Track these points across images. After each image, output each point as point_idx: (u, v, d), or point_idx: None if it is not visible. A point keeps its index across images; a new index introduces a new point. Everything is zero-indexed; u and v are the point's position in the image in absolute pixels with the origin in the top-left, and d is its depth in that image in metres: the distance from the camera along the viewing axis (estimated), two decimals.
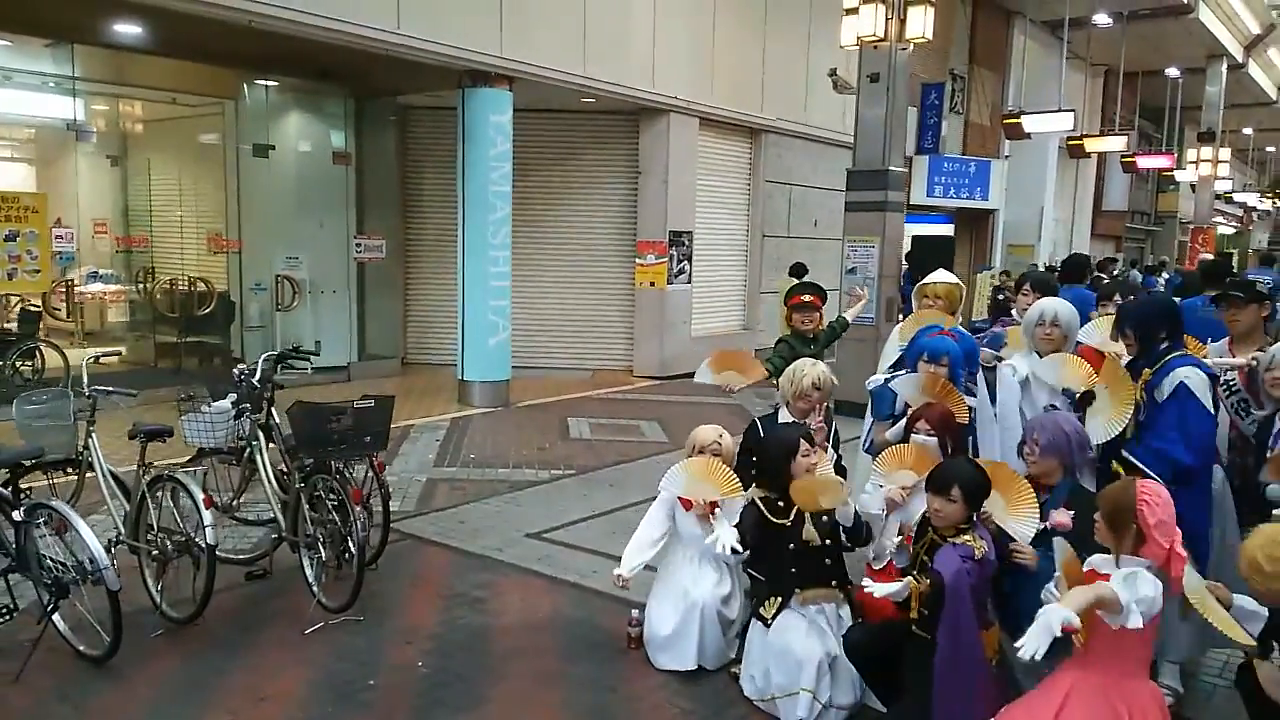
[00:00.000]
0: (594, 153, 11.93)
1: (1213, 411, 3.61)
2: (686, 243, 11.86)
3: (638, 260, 11.76)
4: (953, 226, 18.84)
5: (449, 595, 4.81)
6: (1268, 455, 3.57)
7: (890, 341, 5.22)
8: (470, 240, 9.54)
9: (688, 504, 4.12)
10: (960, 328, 4.57)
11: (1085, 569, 3.05)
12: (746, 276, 13.50)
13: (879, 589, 3.22)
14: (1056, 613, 2.57)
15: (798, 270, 11.86)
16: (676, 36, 11.43)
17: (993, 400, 4.25)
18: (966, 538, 3.39)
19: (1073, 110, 18.43)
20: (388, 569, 5.03)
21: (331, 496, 4.44)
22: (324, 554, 4.38)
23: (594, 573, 5.13)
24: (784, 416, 4.47)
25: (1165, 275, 21.66)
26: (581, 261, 12.02)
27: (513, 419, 9.35)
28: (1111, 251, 27.42)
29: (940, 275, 5.17)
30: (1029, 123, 17.89)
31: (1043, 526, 3.44)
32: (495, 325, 9.72)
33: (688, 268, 11.96)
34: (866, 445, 4.70)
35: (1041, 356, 4.10)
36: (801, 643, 3.61)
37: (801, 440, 3.78)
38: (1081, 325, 4.44)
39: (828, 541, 3.75)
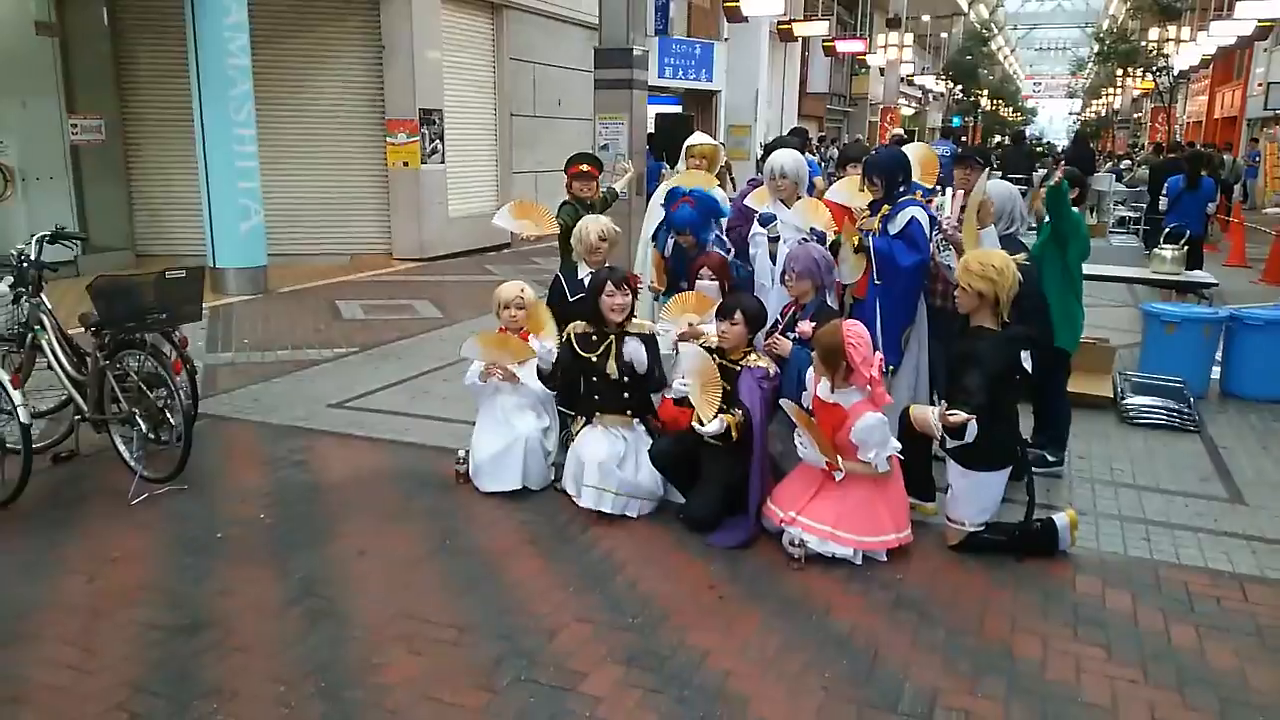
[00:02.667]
0: (335, 25, 11.41)
1: (928, 241, 4.58)
2: (437, 121, 11.80)
3: (389, 139, 11.57)
4: (681, 107, 19.81)
5: (268, 461, 4.97)
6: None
7: (650, 209, 5.83)
8: (211, 118, 8.99)
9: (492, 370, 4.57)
10: (701, 188, 5.23)
11: (812, 395, 3.94)
12: (498, 156, 13.65)
13: (707, 430, 3.93)
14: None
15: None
16: None
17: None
18: (753, 358, 4.14)
19: None
20: (196, 444, 5.04)
21: (140, 372, 4.43)
22: (144, 427, 4.39)
23: (407, 430, 5.47)
24: (583, 271, 4.97)
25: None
26: (330, 141, 11.62)
27: (278, 305, 9.16)
28: (816, 130, 30.00)
29: (702, 137, 5.83)
30: (746, 6, 18.98)
31: (795, 336, 4.26)
32: (246, 209, 9.33)
33: (440, 147, 11.93)
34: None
35: (785, 205, 4.86)
36: (592, 448, 4.25)
37: (608, 281, 4.32)
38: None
39: (625, 378, 4.37)
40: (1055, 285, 4.66)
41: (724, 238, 5.10)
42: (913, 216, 4.48)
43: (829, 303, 4.46)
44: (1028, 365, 3.94)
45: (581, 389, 4.52)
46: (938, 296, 4.59)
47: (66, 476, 4.64)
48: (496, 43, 13.25)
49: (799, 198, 4.80)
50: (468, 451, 4.63)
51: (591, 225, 4.88)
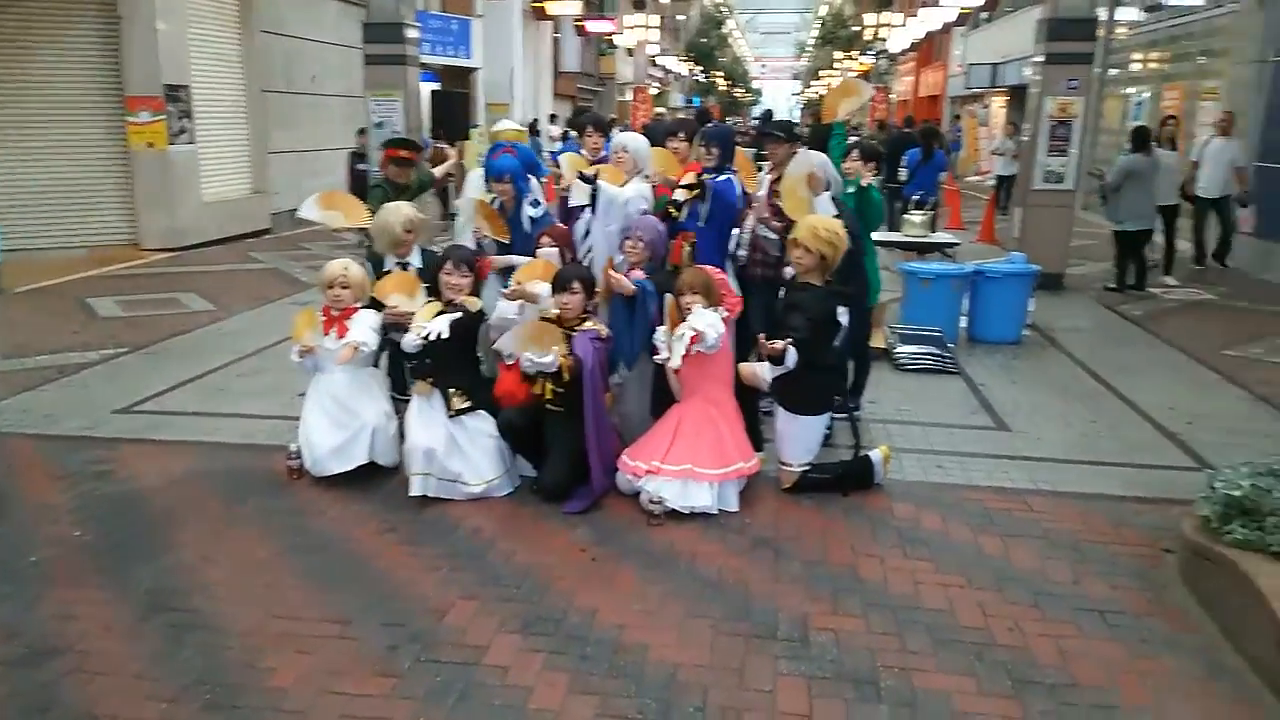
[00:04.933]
0: None
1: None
2: (184, 98, 10.86)
3: (129, 119, 10.52)
4: (439, 84, 19.38)
5: (64, 475, 4.49)
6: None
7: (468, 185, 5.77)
8: None
9: (328, 326, 4.42)
10: (520, 144, 5.31)
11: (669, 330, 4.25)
12: (251, 136, 12.76)
13: (541, 360, 4.01)
14: (683, 334, 4.00)
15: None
16: None
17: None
18: (589, 324, 4.29)
19: None
20: None
21: None
22: None
23: (216, 431, 5.13)
24: (389, 263, 4.81)
25: (618, 130, 24.87)
26: (59, 122, 10.38)
27: (19, 305, 8.15)
28: (570, 109, 30.36)
29: (507, 123, 5.83)
30: None
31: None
32: None
33: (189, 126, 11.00)
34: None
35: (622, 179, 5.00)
36: (413, 436, 4.22)
37: (449, 260, 4.32)
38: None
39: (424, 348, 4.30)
40: (864, 254, 5.15)
41: (540, 200, 5.19)
42: (729, 179, 4.84)
43: None
44: (843, 319, 4.36)
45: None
46: (758, 266, 4.92)
47: None
48: (243, 14, 12.36)
49: (639, 173, 4.96)
50: (299, 446, 4.44)
51: (394, 219, 4.67)
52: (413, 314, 4.35)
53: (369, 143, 11.35)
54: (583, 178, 4.76)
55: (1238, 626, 3.10)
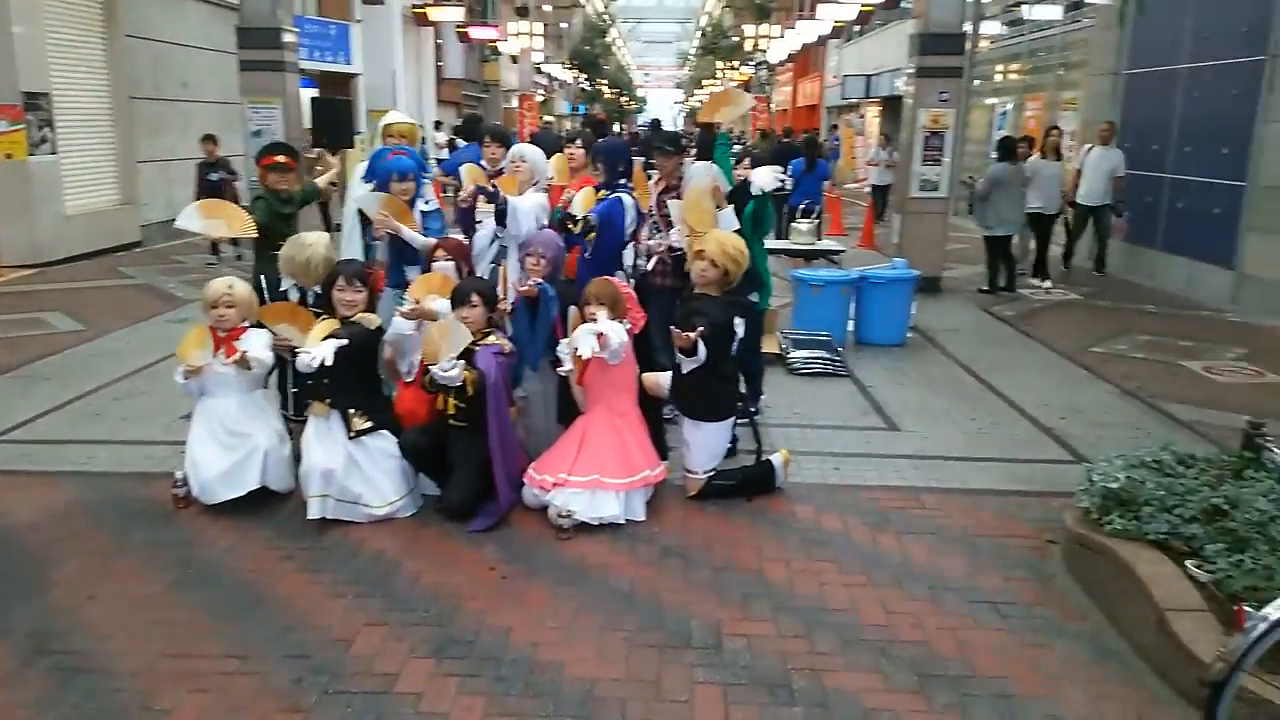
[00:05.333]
0: None
1: (629, 226, 4.94)
2: (44, 106, 10.22)
3: None
4: (318, 90, 18.82)
5: None
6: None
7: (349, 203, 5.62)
8: None
9: (215, 347, 4.24)
10: (409, 146, 5.23)
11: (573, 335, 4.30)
12: (118, 144, 12.10)
13: (443, 376, 3.93)
14: (589, 329, 4.09)
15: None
16: None
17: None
18: (492, 338, 4.25)
19: None
20: None
21: None
22: None
23: (91, 459, 4.86)
24: (286, 283, 4.64)
25: None
26: None
27: None
28: (455, 116, 29.94)
29: (398, 115, 5.69)
30: None
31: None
32: None
33: (50, 135, 10.36)
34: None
35: (519, 189, 4.98)
36: (311, 457, 4.08)
37: (340, 276, 4.20)
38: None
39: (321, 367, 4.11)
40: (757, 257, 5.25)
41: (431, 198, 5.12)
42: (619, 197, 4.84)
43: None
44: (740, 330, 4.45)
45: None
46: (657, 275, 4.97)
47: None
48: (107, 17, 11.72)
49: (535, 183, 4.93)
50: (185, 472, 4.24)
51: (318, 258, 4.49)
52: (300, 346, 4.19)
53: (218, 150, 10.89)
54: (483, 192, 4.72)
55: (1121, 612, 3.30)
